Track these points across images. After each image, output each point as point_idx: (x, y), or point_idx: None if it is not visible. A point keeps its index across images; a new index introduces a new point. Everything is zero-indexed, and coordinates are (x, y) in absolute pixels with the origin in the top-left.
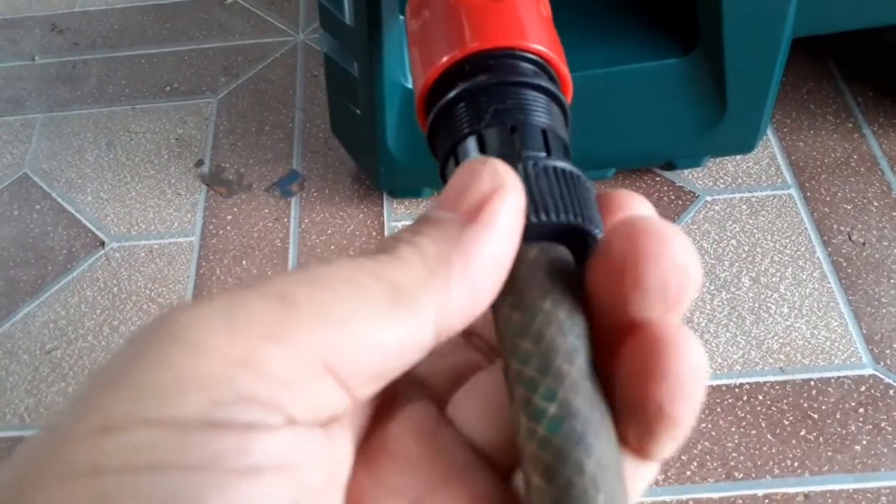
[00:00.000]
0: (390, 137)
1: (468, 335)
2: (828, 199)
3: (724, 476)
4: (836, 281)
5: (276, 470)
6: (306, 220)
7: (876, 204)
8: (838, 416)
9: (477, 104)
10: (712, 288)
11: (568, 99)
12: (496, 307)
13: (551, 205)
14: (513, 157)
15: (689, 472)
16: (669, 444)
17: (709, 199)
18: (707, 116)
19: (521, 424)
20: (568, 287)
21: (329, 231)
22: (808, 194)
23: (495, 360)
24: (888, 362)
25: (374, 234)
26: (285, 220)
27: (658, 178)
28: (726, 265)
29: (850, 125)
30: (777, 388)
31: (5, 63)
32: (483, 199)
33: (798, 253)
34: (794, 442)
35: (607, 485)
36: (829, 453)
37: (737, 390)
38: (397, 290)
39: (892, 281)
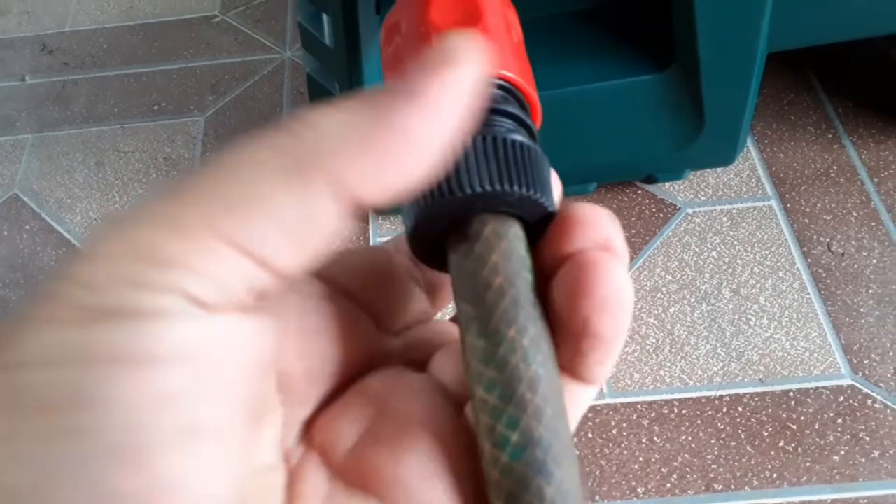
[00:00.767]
0: None
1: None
2: (808, 209)
3: (703, 488)
4: (815, 292)
5: (177, 358)
6: None
7: (855, 214)
8: (817, 427)
9: None
10: (693, 300)
11: (537, 124)
12: (462, 332)
13: (506, 175)
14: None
15: (668, 485)
16: (598, 365)
17: (690, 211)
18: (685, 131)
19: (486, 451)
20: (531, 302)
21: None
22: (789, 205)
23: None
24: (866, 373)
25: None
26: None
27: (640, 191)
28: (707, 277)
29: (830, 136)
30: (757, 399)
31: None
32: (428, 69)
33: (778, 264)
34: (773, 453)
35: None
36: (808, 464)
37: (717, 402)
38: (291, 161)
39: (870, 291)
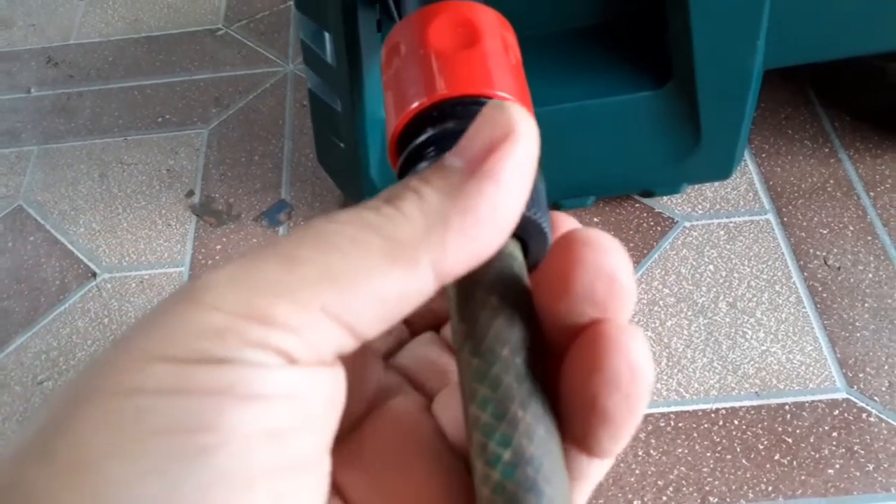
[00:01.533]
0: (373, 169)
1: None
2: (804, 223)
3: (699, 501)
4: (811, 305)
5: (283, 398)
6: None
7: (852, 228)
8: (812, 441)
9: (444, 148)
10: (689, 313)
11: None
12: (457, 351)
13: None
14: None
15: (664, 498)
16: (609, 441)
17: (687, 224)
18: (682, 146)
19: (478, 469)
20: (525, 322)
21: None
22: (785, 219)
23: None
24: (861, 386)
25: None
26: None
27: (637, 205)
28: (703, 290)
29: (827, 150)
30: (752, 412)
31: (1, 96)
32: (490, 147)
33: (774, 278)
34: (768, 466)
35: None
36: (803, 477)
37: (713, 415)
38: (395, 245)
39: (866, 305)
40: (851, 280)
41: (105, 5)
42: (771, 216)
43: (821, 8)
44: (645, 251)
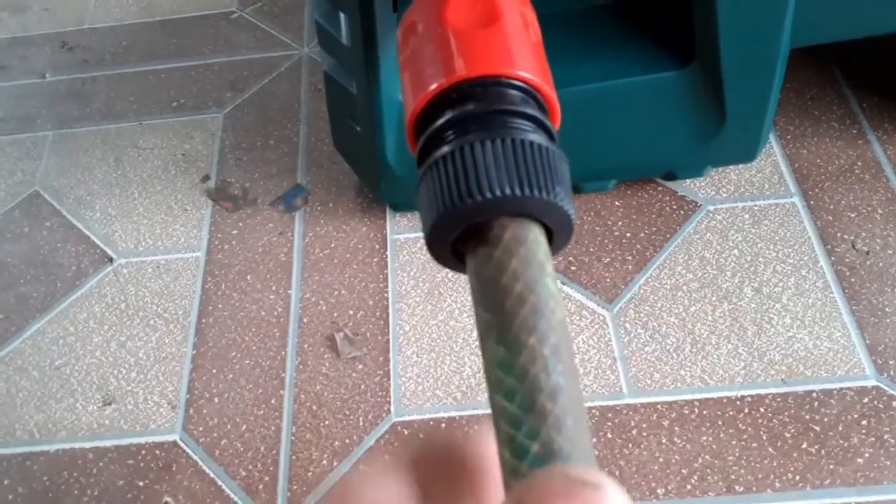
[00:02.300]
0: (390, 153)
1: None
2: (831, 207)
3: (724, 490)
4: (839, 291)
5: None
6: (310, 234)
7: (881, 211)
8: (840, 429)
9: (464, 131)
10: (714, 299)
11: (556, 125)
12: (481, 339)
13: (526, 179)
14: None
15: (689, 486)
16: None
17: (711, 208)
18: (706, 128)
19: (506, 460)
20: (551, 310)
21: (332, 245)
22: (812, 202)
23: None
24: (892, 373)
25: (377, 247)
26: (289, 234)
27: (660, 188)
28: (728, 275)
29: (855, 131)
30: (779, 400)
31: (17, 81)
32: None
33: (801, 262)
34: (795, 455)
35: None
36: (831, 466)
37: (738, 402)
38: None
39: None
40: (881, 264)
41: None
42: (797, 199)
43: None
44: (668, 235)
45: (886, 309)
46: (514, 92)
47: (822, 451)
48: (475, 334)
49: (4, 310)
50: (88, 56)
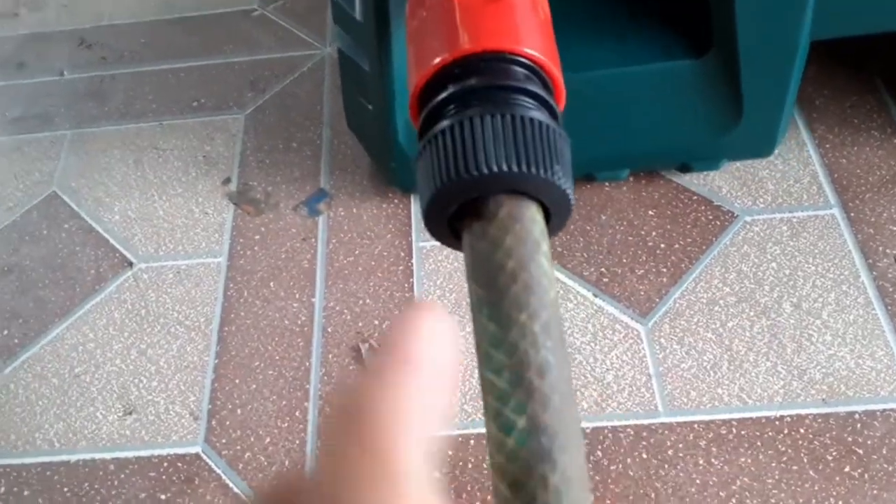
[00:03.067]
0: (401, 132)
1: None
2: (872, 219)
3: None
4: (881, 307)
5: None
6: (334, 241)
7: None
8: (885, 452)
9: (465, 107)
10: (752, 314)
11: (560, 105)
12: (473, 314)
13: (524, 156)
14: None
15: None
16: None
17: (748, 219)
18: (722, 119)
19: (492, 434)
20: (543, 287)
21: (357, 252)
22: (852, 214)
23: None
24: None
25: (403, 255)
26: (313, 240)
27: (695, 197)
28: (766, 290)
29: None
30: (820, 420)
31: (35, 79)
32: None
33: (841, 277)
34: (837, 479)
35: (570, 498)
36: (875, 491)
37: (777, 423)
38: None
39: None
40: None
41: None
42: (836, 211)
43: None
44: (704, 247)
45: None
46: (518, 68)
47: (866, 476)
48: None
49: (23, 314)
50: (107, 53)
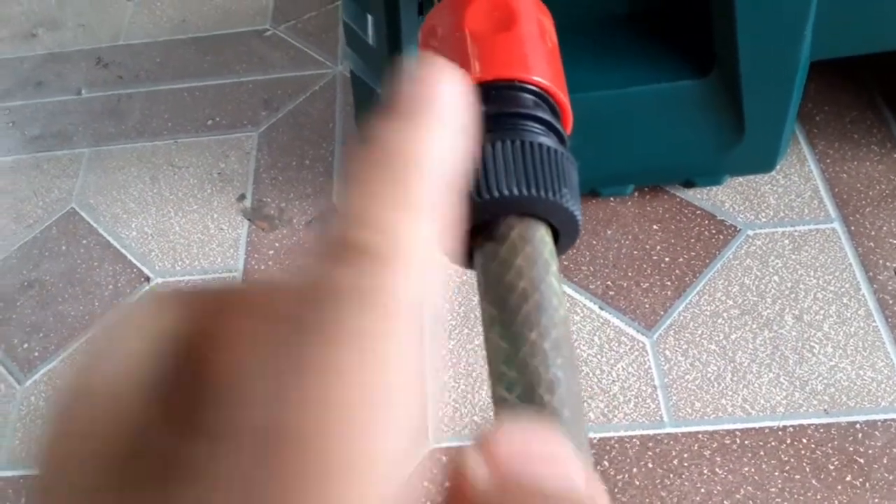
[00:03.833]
0: None
1: None
2: (873, 233)
3: None
4: (881, 319)
5: None
6: None
7: None
8: (885, 462)
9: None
10: (754, 326)
11: (567, 129)
12: (486, 331)
13: (533, 180)
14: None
15: None
16: None
17: (750, 233)
18: (725, 136)
19: None
20: (553, 306)
21: None
22: (853, 228)
23: None
24: None
25: None
26: None
27: (699, 212)
28: (769, 302)
29: None
30: (821, 430)
31: (53, 97)
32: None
33: (842, 290)
34: (839, 488)
35: None
36: (876, 500)
37: (780, 433)
38: None
39: None
40: None
41: (153, 6)
42: (837, 225)
43: None
44: (707, 260)
45: None
46: (527, 95)
47: (867, 485)
48: None
49: (43, 328)
50: (123, 72)
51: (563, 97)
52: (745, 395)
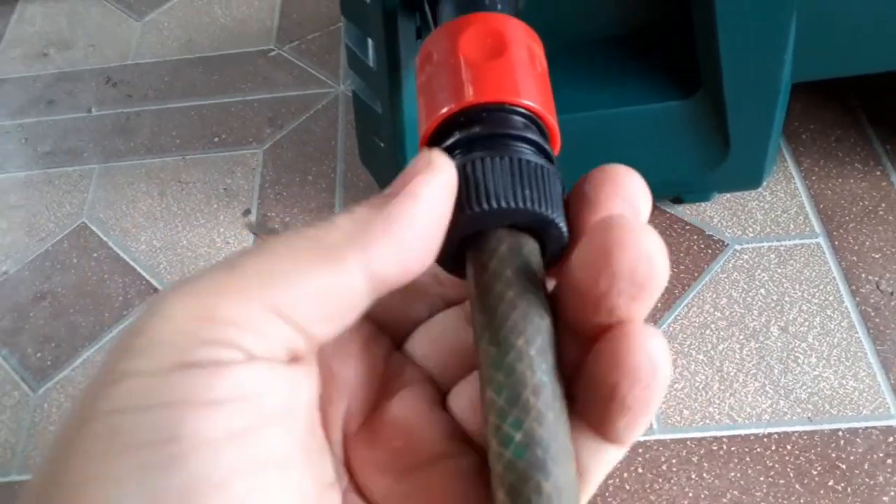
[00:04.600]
0: None
1: None
2: (856, 248)
3: None
4: (863, 331)
5: (238, 400)
6: None
7: None
8: (866, 467)
9: (470, 151)
10: (741, 337)
11: (556, 150)
12: (476, 339)
13: (521, 193)
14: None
15: None
16: (624, 428)
17: (738, 247)
18: (712, 155)
19: (492, 447)
20: (540, 315)
21: None
22: (837, 243)
23: None
24: None
25: None
26: None
27: (688, 227)
28: (755, 314)
29: (879, 173)
30: (805, 437)
31: (64, 115)
32: (410, 176)
33: (826, 302)
34: (822, 492)
35: (562, 503)
36: None
37: (765, 440)
38: (324, 247)
39: None
40: None
41: (160, 26)
42: (822, 240)
43: (849, 21)
44: (696, 274)
45: None
46: (517, 118)
47: (849, 489)
48: None
49: (56, 338)
50: (132, 91)
51: (551, 119)
52: (731, 403)
